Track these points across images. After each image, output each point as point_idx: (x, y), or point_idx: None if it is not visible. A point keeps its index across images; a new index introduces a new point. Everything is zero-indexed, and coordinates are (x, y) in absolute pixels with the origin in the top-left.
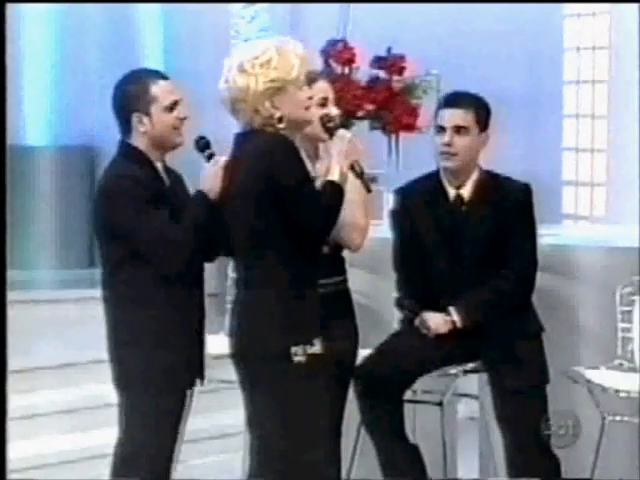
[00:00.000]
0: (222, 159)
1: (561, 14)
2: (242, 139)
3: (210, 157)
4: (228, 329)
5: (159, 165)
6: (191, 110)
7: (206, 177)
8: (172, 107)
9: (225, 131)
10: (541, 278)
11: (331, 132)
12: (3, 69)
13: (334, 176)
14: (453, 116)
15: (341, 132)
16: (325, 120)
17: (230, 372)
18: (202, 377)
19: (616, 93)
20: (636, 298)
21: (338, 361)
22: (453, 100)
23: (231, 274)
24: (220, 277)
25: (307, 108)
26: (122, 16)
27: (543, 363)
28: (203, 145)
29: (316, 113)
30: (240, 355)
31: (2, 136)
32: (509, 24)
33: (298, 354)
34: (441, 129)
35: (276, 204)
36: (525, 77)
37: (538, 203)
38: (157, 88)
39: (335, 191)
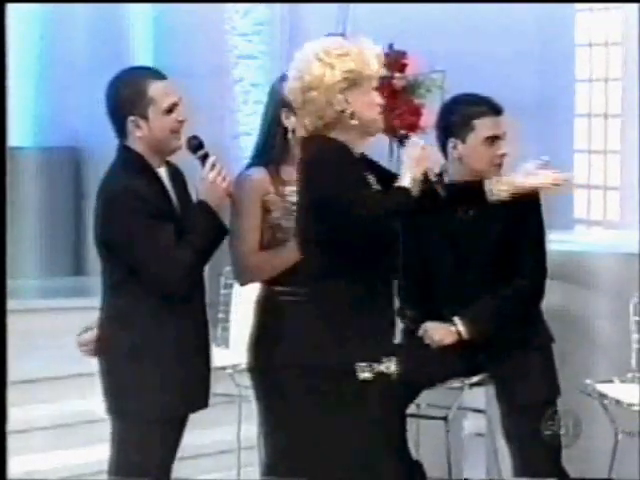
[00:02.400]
0: (218, 163)
1: (573, 8)
2: (306, 144)
3: (204, 158)
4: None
5: (161, 171)
6: (186, 110)
7: (208, 187)
8: (171, 109)
9: (220, 132)
10: (551, 286)
11: (402, 139)
12: (3, 69)
13: (404, 182)
14: (502, 124)
15: (414, 139)
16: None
17: (221, 386)
18: (206, 401)
19: (630, 91)
20: None
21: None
22: (497, 106)
23: (224, 283)
24: (213, 287)
25: (379, 111)
26: (109, 11)
27: (553, 376)
28: (196, 145)
29: None
30: (302, 367)
31: (2, 136)
32: (517, 20)
33: (365, 371)
34: (494, 139)
35: (338, 214)
36: (534, 75)
37: (548, 208)
38: (155, 89)
39: (403, 197)
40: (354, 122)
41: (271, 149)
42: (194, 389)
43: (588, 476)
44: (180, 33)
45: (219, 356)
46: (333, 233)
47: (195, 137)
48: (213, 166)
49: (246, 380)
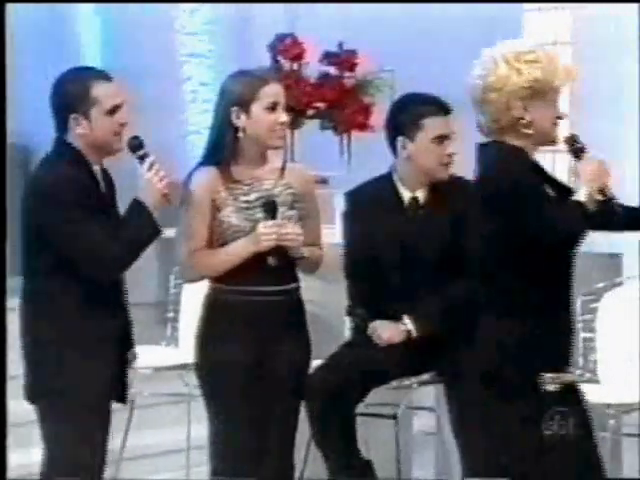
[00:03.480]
0: (156, 164)
1: (521, 8)
2: (484, 151)
3: (143, 158)
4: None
5: (97, 168)
6: (133, 109)
7: (145, 186)
8: (113, 111)
9: (168, 131)
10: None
11: (578, 153)
12: (3, 69)
13: (580, 197)
14: (451, 123)
15: (591, 154)
16: (571, 141)
17: (172, 385)
18: (124, 393)
19: (577, 90)
20: (598, 306)
21: (289, 373)
22: (446, 106)
23: (173, 283)
24: (161, 286)
25: (556, 124)
26: (58, 11)
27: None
28: (136, 145)
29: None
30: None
31: (2, 136)
32: (465, 19)
33: (548, 382)
34: (442, 138)
35: (518, 222)
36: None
37: None
38: (99, 90)
39: (578, 212)
40: (529, 131)
41: (222, 148)
42: (112, 380)
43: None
44: (128, 32)
45: (169, 355)
46: (527, 246)
47: (135, 137)
48: (151, 166)
49: (195, 379)
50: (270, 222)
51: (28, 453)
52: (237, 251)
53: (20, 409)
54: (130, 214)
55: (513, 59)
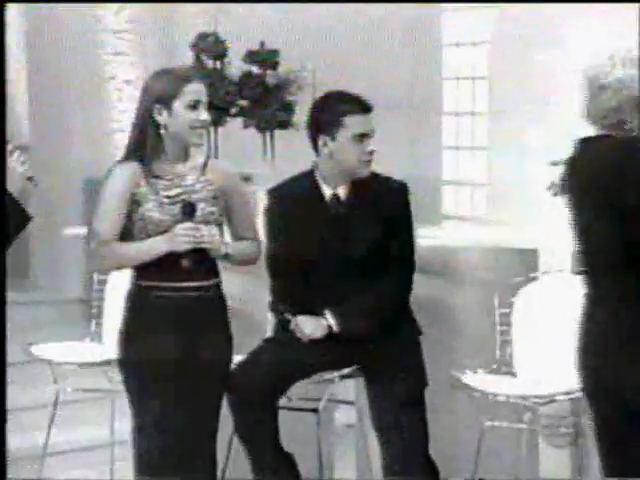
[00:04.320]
0: (15, 151)
1: (439, 8)
2: (594, 143)
3: (11, 151)
4: (578, 345)
5: None
6: (53, 107)
7: (8, 176)
8: None
9: (92, 130)
10: (419, 280)
11: None
12: (3, 69)
13: None
14: (371, 122)
15: None
16: None
17: (95, 381)
18: None
19: (497, 89)
20: (514, 300)
21: (211, 368)
22: (367, 104)
23: (97, 279)
24: (86, 281)
25: None
26: None
27: (421, 368)
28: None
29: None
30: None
31: (2, 136)
32: (386, 20)
33: None
34: (363, 136)
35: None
36: (403, 74)
37: (417, 203)
38: None
39: None
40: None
41: (144, 145)
42: None
43: (453, 465)
44: (52, 31)
45: (93, 351)
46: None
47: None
48: (11, 154)
49: (119, 375)
50: (187, 225)
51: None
52: (148, 249)
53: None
54: None
55: (630, 63)
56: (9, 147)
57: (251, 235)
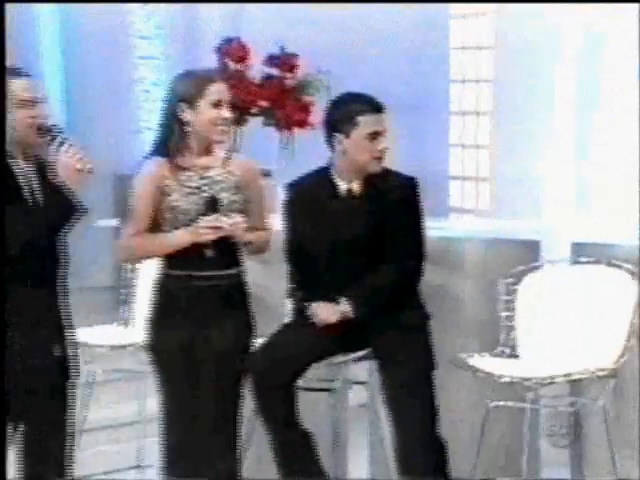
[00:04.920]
0: (72, 147)
1: (447, 14)
2: None
3: (61, 144)
4: None
5: (28, 162)
6: (85, 107)
7: (61, 168)
8: (27, 105)
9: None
10: (428, 269)
11: None
12: (3, 69)
13: None
14: (383, 121)
15: None
16: None
17: (125, 362)
18: (63, 373)
19: (500, 91)
20: (518, 288)
21: (233, 351)
22: (379, 105)
23: (127, 267)
24: (116, 269)
25: None
26: (17, 12)
27: (430, 351)
28: (54, 134)
29: (211, 115)
30: None
31: (2, 136)
32: (397, 24)
33: None
34: (376, 134)
35: None
36: (413, 76)
37: (426, 197)
38: (13, 85)
39: None
40: None
41: (169, 141)
42: (46, 360)
43: (461, 444)
44: (87, 34)
45: (123, 335)
46: None
47: (54, 125)
48: (60, 146)
49: (146, 357)
50: (210, 217)
51: None
52: (173, 240)
53: None
54: (46, 196)
55: None
56: (58, 139)
57: (265, 226)
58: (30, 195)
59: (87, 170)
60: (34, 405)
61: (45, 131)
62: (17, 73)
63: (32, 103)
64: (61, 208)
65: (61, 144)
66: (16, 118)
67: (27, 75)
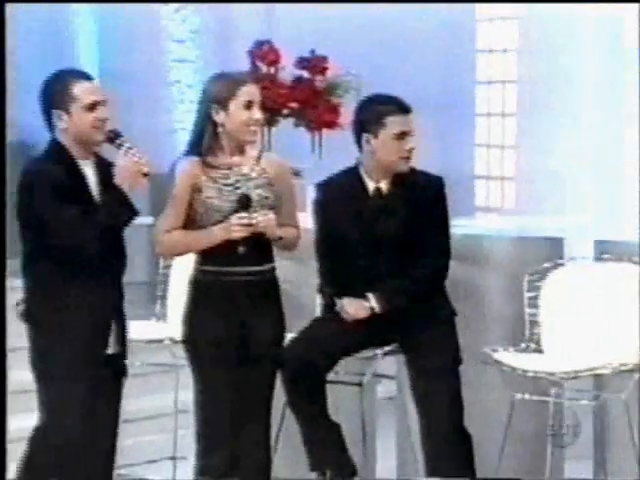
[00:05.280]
0: (132, 150)
1: (474, 18)
2: None
3: (120, 146)
4: None
5: (86, 162)
6: (121, 108)
7: (120, 170)
8: (92, 107)
9: (156, 129)
10: (454, 266)
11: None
12: (3, 69)
13: None
14: (410, 121)
15: None
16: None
17: (160, 356)
18: (120, 366)
19: (524, 92)
20: (542, 284)
21: (264, 345)
22: (406, 106)
23: (162, 263)
24: (151, 266)
25: None
26: (57, 16)
27: (456, 345)
28: (112, 136)
29: (242, 116)
30: None
31: (2, 136)
32: (425, 28)
33: None
34: (403, 134)
35: None
36: (440, 78)
37: (452, 196)
38: (78, 88)
39: None
40: None
41: (203, 141)
42: (105, 354)
43: (486, 436)
44: (123, 38)
45: (158, 329)
46: None
47: (112, 130)
48: (127, 152)
49: (181, 351)
50: (242, 214)
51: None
52: (207, 237)
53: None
54: (107, 196)
55: None
56: (126, 145)
57: (294, 223)
58: (90, 195)
59: (143, 173)
60: (88, 398)
61: (107, 133)
62: (82, 76)
63: (96, 105)
64: (122, 208)
65: (119, 146)
66: (81, 120)
67: (90, 78)
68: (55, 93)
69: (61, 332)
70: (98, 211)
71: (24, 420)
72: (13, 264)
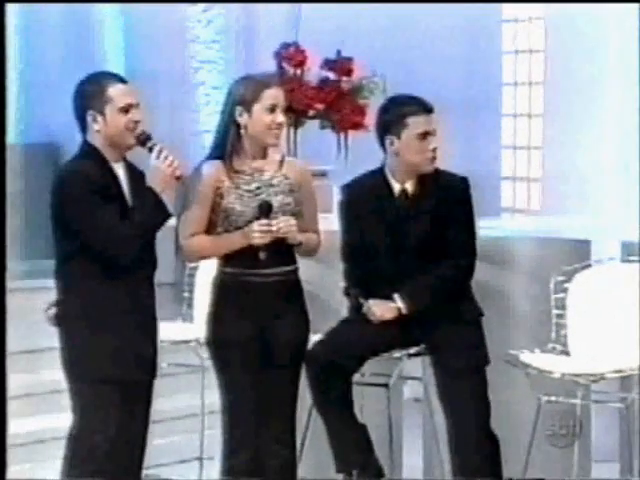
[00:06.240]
0: (164, 152)
1: (500, 19)
2: None
3: (152, 148)
4: None
5: (118, 164)
6: (147, 110)
7: (153, 172)
8: (126, 109)
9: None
10: (480, 267)
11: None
12: (3, 69)
13: None
14: (433, 121)
15: None
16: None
17: (186, 357)
18: (152, 368)
19: (551, 93)
20: (569, 286)
21: (289, 346)
22: (428, 105)
23: (188, 265)
24: (178, 267)
25: None
26: (84, 17)
27: (483, 346)
28: (144, 139)
29: (265, 119)
30: None
31: (2, 136)
32: (451, 29)
33: None
34: (426, 134)
35: None
36: (466, 79)
37: (478, 197)
38: (113, 90)
39: None
40: None
41: (226, 143)
42: (140, 356)
43: (512, 437)
44: (148, 41)
45: (184, 330)
46: None
47: (143, 132)
48: (159, 154)
49: (206, 352)
50: (263, 221)
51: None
52: (228, 243)
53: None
54: (140, 198)
55: None
56: (158, 147)
57: (315, 228)
58: (123, 197)
59: (176, 176)
60: (121, 400)
61: (139, 135)
62: (116, 78)
63: (130, 108)
64: (156, 210)
65: (150, 149)
66: (115, 122)
67: (124, 81)
68: (90, 94)
69: (95, 334)
70: (135, 213)
71: (55, 421)
72: (35, 265)
